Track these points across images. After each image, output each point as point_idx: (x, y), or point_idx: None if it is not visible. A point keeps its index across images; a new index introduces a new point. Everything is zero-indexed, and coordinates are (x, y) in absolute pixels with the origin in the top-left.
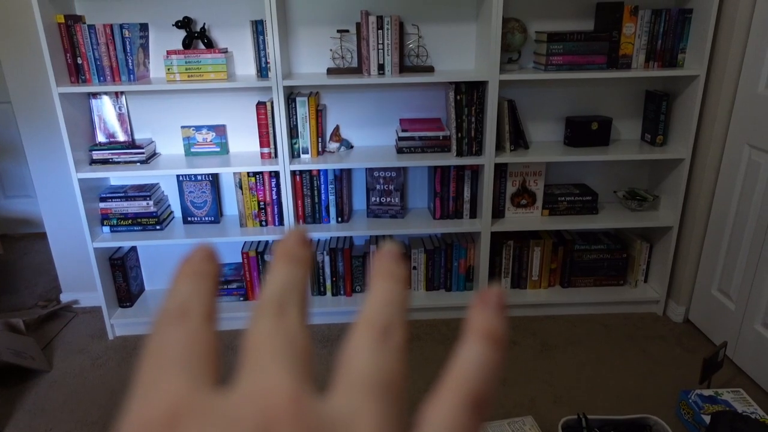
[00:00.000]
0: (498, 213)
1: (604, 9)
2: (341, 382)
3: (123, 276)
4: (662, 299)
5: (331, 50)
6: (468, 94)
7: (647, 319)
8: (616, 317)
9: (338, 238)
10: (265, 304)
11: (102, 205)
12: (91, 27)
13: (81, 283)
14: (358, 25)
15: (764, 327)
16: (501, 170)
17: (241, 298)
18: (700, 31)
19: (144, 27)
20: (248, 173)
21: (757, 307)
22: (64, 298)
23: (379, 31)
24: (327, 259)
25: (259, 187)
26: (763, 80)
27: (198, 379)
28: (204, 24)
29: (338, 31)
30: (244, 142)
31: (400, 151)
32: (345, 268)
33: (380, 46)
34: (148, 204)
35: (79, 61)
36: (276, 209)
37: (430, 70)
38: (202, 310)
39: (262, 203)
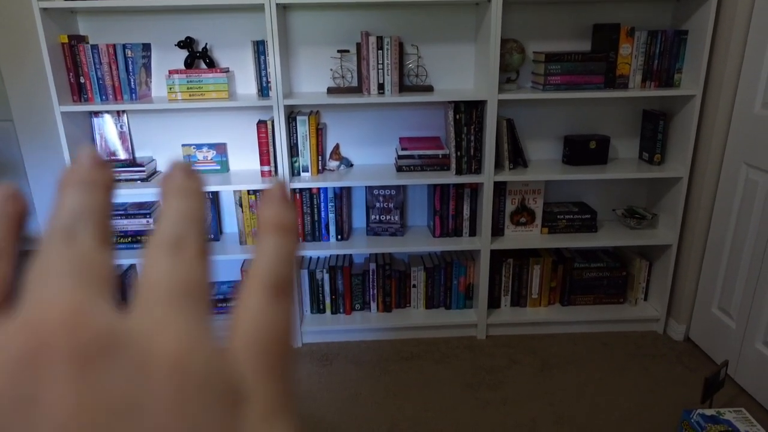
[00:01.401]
0: (497, 231)
1: (600, 30)
2: (138, 299)
3: (121, 294)
4: (662, 317)
5: (331, 70)
6: (467, 113)
7: (648, 337)
8: (616, 335)
9: (338, 256)
10: (51, 232)
11: None
12: (95, 47)
13: None
14: (359, 46)
15: (765, 346)
16: (500, 188)
17: None
18: (696, 52)
19: (147, 47)
20: (248, 191)
21: (758, 325)
22: None
23: (379, 51)
24: (326, 277)
25: (259, 205)
26: (758, 100)
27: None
28: (206, 44)
29: (339, 51)
30: (245, 161)
31: (399, 169)
32: (344, 286)
33: (380, 66)
34: (148, 222)
35: (82, 80)
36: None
37: (429, 89)
38: (91, 228)
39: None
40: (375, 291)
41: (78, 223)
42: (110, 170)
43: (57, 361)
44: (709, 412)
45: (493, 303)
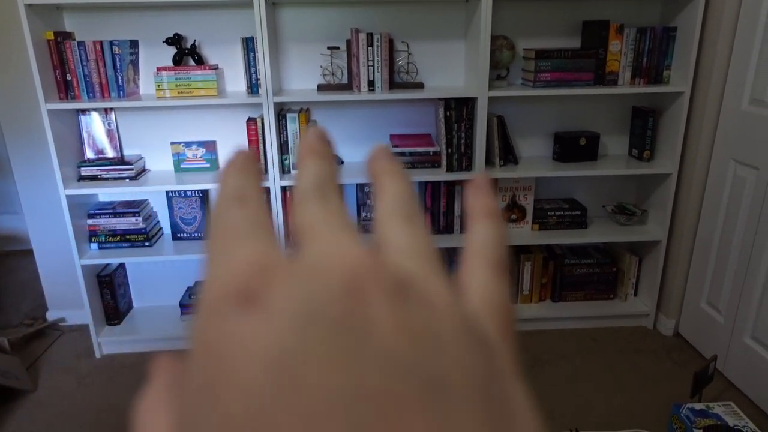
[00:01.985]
0: None
1: (590, 27)
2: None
3: (111, 293)
4: (652, 313)
5: (321, 67)
6: (457, 110)
7: (637, 332)
8: (606, 331)
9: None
10: (307, 192)
11: (90, 221)
12: (81, 44)
13: (68, 301)
14: (349, 42)
15: (753, 340)
16: (491, 185)
17: None
18: (685, 49)
19: (134, 44)
20: None
21: (746, 320)
22: (51, 316)
23: (369, 48)
24: None
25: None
26: (746, 96)
27: (272, 243)
28: (194, 41)
29: (329, 48)
30: None
31: None
32: None
33: (370, 63)
34: (137, 220)
35: (69, 77)
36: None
37: (419, 86)
38: (336, 192)
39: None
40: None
41: (326, 187)
42: (332, 145)
43: (377, 291)
44: (698, 406)
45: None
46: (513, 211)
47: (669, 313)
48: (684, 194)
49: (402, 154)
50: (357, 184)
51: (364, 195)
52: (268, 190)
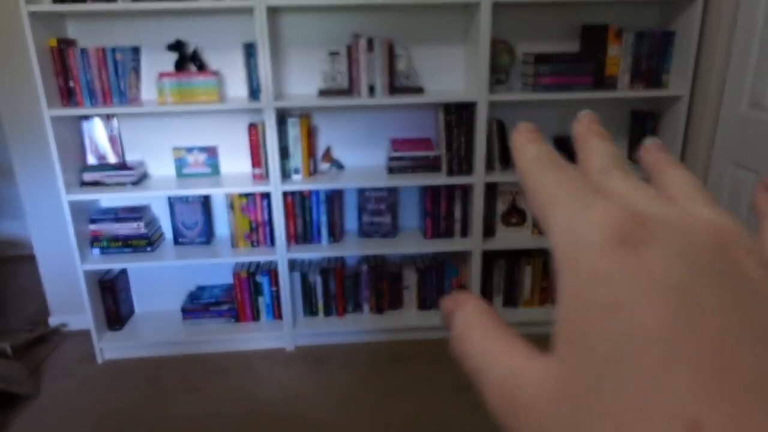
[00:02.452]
0: (489, 232)
1: (589, 31)
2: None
3: (113, 298)
4: None
5: (322, 72)
6: (457, 115)
7: None
8: None
9: (330, 258)
10: (612, 165)
11: (92, 226)
12: (84, 51)
13: (70, 306)
14: (349, 48)
15: None
16: (491, 189)
17: (232, 320)
18: (683, 53)
19: (136, 50)
20: (240, 194)
21: None
22: (53, 321)
23: (370, 53)
24: (319, 279)
25: (250, 207)
26: (745, 100)
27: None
28: (196, 47)
29: (329, 53)
30: (236, 163)
31: (390, 171)
32: (337, 289)
33: (371, 68)
34: (138, 225)
35: (71, 84)
36: (267, 230)
37: (419, 91)
38: (562, 158)
39: (253, 224)
40: (368, 293)
41: (623, 162)
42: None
43: (743, 250)
44: None
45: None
46: (513, 215)
47: None
48: None
49: (402, 158)
50: (358, 189)
51: (364, 200)
52: (269, 195)
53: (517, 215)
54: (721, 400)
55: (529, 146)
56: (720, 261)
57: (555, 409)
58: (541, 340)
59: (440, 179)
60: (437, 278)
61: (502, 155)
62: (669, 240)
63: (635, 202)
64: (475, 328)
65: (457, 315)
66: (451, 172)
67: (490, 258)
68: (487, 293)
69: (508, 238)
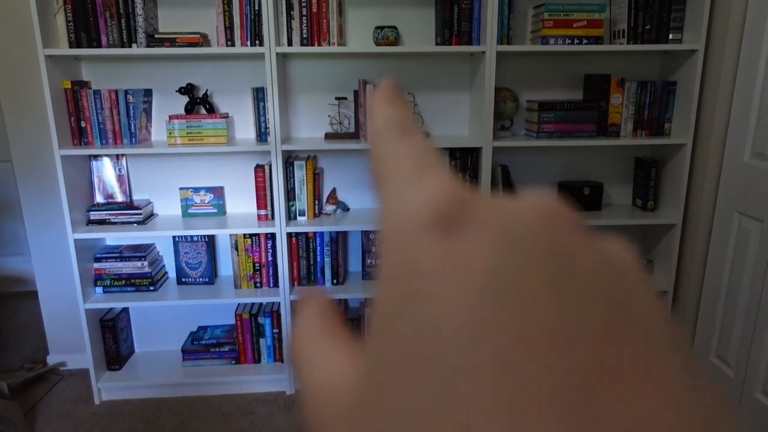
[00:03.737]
0: None
1: (591, 80)
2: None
3: (113, 337)
4: None
5: (329, 116)
6: (462, 160)
7: None
8: None
9: (333, 300)
10: (387, 128)
11: (96, 265)
12: (97, 92)
13: (69, 345)
14: (356, 93)
15: (764, 395)
16: None
17: (233, 362)
18: (685, 102)
19: (148, 92)
20: (244, 235)
21: (756, 375)
22: (52, 359)
23: None
24: None
25: (254, 248)
26: (748, 149)
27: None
28: (206, 90)
29: (336, 98)
30: (242, 204)
31: None
32: None
33: None
34: (142, 264)
35: (83, 124)
36: (271, 271)
37: (425, 136)
38: (417, 128)
39: (257, 265)
40: None
41: (408, 121)
42: (402, 99)
43: (570, 230)
44: None
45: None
46: None
47: None
48: (689, 245)
49: None
50: (362, 231)
51: (369, 242)
52: (274, 236)
53: None
54: (503, 411)
55: (384, 108)
56: (545, 246)
57: (354, 420)
58: None
59: None
60: None
61: None
62: (490, 223)
63: (454, 181)
64: (310, 331)
65: (298, 316)
66: None
67: None
68: None
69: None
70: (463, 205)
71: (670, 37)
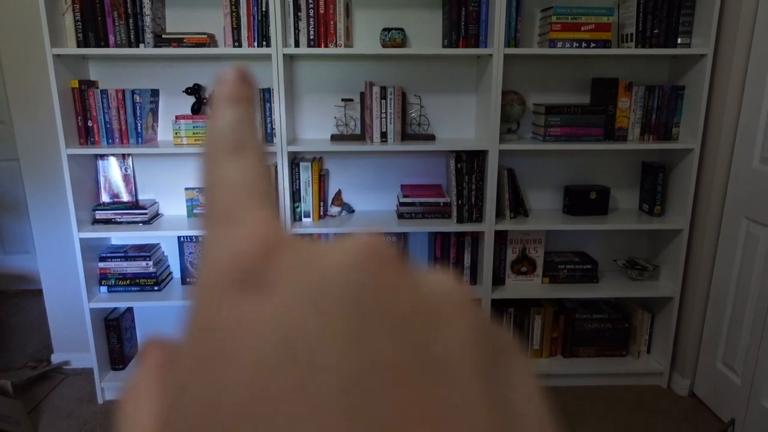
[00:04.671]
0: (498, 280)
1: (599, 84)
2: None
3: (117, 337)
4: (666, 371)
5: (335, 118)
6: (468, 163)
7: (651, 391)
8: (619, 389)
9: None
10: (219, 150)
11: (101, 264)
12: (104, 92)
13: (74, 344)
14: (362, 95)
15: None
16: (501, 237)
17: None
18: (693, 107)
19: (155, 93)
20: None
21: (763, 382)
22: (56, 358)
23: (383, 101)
24: None
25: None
26: (756, 155)
27: (272, 213)
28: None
29: (343, 99)
30: None
31: (400, 216)
32: None
33: (383, 115)
34: (147, 264)
35: (90, 123)
36: None
37: (431, 138)
38: (253, 140)
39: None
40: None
41: (242, 136)
42: (253, 84)
43: (387, 268)
44: None
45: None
46: (523, 264)
47: (684, 372)
48: (696, 251)
49: (412, 204)
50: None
51: None
52: None
53: (527, 264)
54: None
55: (223, 112)
56: (349, 298)
57: None
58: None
59: (450, 226)
60: None
61: (513, 203)
62: (294, 278)
63: (269, 225)
64: (139, 397)
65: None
66: (461, 219)
67: (499, 307)
68: None
69: (518, 287)
70: (270, 254)
71: (679, 41)
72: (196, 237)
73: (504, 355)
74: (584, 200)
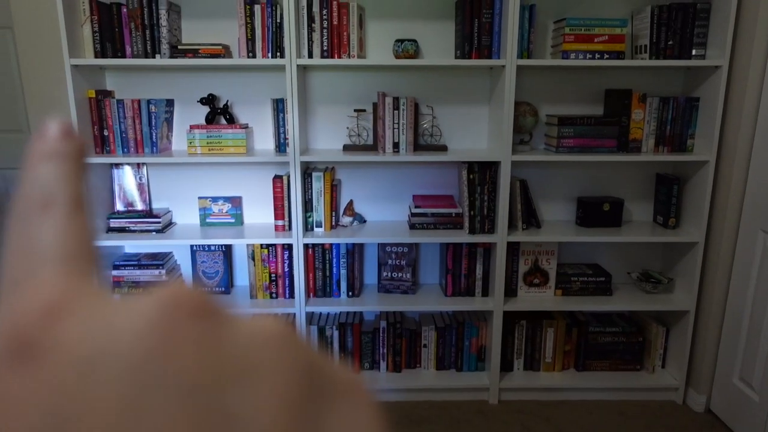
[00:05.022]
0: (510, 292)
1: (612, 95)
2: (17, 263)
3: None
4: (681, 387)
5: (347, 128)
6: (481, 173)
7: (666, 407)
8: (633, 404)
9: (348, 312)
10: (24, 207)
11: (115, 272)
12: (120, 102)
13: None
14: (375, 105)
15: None
16: (513, 249)
17: None
18: (708, 119)
19: (170, 102)
20: (261, 245)
21: None
22: None
23: (395, 112)
24: (336, 334)
25: (271, 259)
26: None
27: (75, 272)
28: (227, 101)
29: (355, 110)
30: (259, 215)
31: (412, 226)
32: (354, 344)
33: (396, 126)
34: (160, 273)
35: (106, 132)
36: (287, 281)
37: (443, 149)
38: (66, 198)
39: (273, 275)
40: (385, 350)
41: (51, 193)
42: (79, 139)
43: (186, 322)
44: None
45: (506, 366)
46: (535, 276)
47: (699, 388)
48: (712, 264)
49: (424, 214)
50: (378, 244)
51: (385, 254)
52: (291, 246)
53: (539, 276)
54: None
55: (39, 167)
56: (132, 362)
57: None
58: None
59: (462, 237)
60: (457, 338)
61: (525, 215)
62: (71, 346)
63: (57, 289)
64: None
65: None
66: (473, 230)
67: (511, 318)
68: (507, 355)
69: (530, 299)
70: (52, 320)
71: (693, 52)
72: (208, 246)
73: (332, 399)
74: (597, 212)
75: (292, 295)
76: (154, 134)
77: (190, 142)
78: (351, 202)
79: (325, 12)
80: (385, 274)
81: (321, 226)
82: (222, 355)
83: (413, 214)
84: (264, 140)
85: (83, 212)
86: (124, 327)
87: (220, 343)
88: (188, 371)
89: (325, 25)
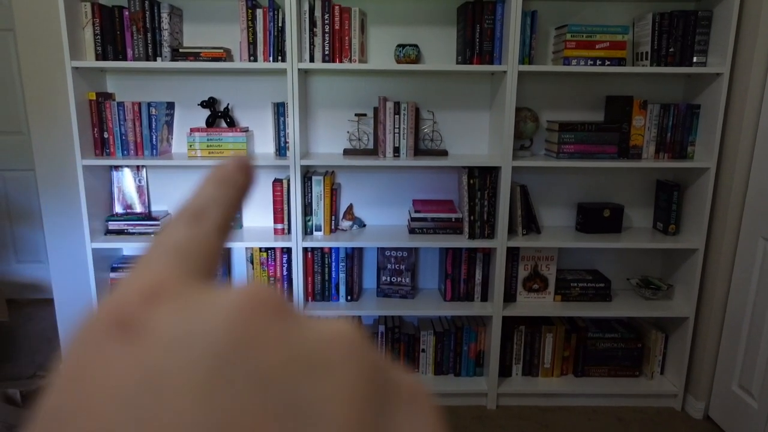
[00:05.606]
0: (510, 297)
1: (613, 102)
2: (146, 254)
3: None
4: (680, 393)
5: (348, 132)
6: (481, 179)
7: (665, 414)
8: (631, 411)
9: (347, 316)
10: (180, 213)
11: (113, 275)
12: (120, 104)
13: None
14: (376, 110)
15: None
16: (513, 254)
17: None
18: (709, 126)
19: (170, 105)
20: (260, 248)
21: None
22: None
23: (396, 116)
24: None
25: (270, 262)
26: None
27: (189, 272)
28: (228, 104)
29: (356, 114)
30: (258, 218)
31: (412, 231)
32: None
33: (396, 130)
34: None
35: (106, 135)
36: (285, 285)
37: (443, 154)
38: (216, 217)
39: (272, 279)
40: (383, 354)
41: (207, 211)
42: (252, 175)
43: (265, 318)
44: None
45: (504, 371)
46: (535, 281)
47: (698, 394)
48: (712, 270)
49: (424, 219)
50: (378, 248)
51: (384, 259)
52: (290, 250)
53: (539, 281)
54: None
55: (206, 186)
56: (226, 334)
57: None
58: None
59: (462, 242)
60: (455, 343)
61: (525, 220)
62: (162, 329)
63: (162, 276)
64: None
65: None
66: (473, 235)
67: (510, 324)
68: (506, 360)
69: (529, 305)
70: (152, 303)
71: (695, 59)
72: None
73: (397, 403)
74: (597, 218)
75: (290, 299)
76: (154, 137)
77: (191, 145)
78: (351, 206)
79: (326, 17)
80: (384, 278)
81: (320, 230)
82: (298, 351)
83: (413, 219)
84: (264, 144)
85: (223, 235)
86: (213, 317)
87: (297, 339)
88: (267, 361)
89: (326, 30)
